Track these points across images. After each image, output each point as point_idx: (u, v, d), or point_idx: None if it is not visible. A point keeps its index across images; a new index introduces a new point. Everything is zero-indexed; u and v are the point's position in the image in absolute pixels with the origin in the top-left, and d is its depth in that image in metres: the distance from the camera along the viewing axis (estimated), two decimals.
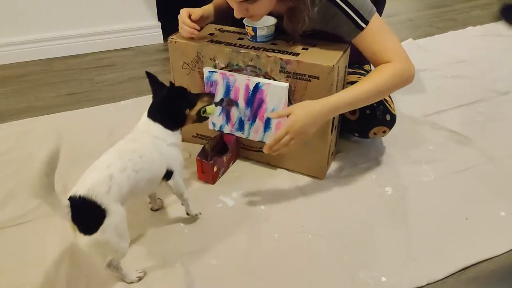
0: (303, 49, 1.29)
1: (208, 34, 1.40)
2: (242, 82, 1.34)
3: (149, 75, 1.15)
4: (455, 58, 2.23)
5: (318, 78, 1.24)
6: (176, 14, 1.38)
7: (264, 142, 1.42)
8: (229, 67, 1.35)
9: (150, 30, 2.42)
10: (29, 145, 1.59)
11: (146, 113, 1.15)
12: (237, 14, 1.22)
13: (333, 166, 1.49)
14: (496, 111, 1.81)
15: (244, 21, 1.32)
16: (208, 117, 1.21)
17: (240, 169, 1.48)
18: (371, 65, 1.32)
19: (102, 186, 0.96)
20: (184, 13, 1.36)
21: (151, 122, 1.13)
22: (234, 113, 1.41)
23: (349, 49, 1.32)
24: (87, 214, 0.94)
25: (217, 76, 1.36)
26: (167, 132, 1.13)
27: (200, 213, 1.27)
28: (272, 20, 1.32)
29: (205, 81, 1.39)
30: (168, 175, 1.14)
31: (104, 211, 0.95)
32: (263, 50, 1.29)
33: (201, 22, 1.39)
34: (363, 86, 1.20)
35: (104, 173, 0.99)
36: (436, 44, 2.42)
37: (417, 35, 2.50)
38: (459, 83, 2.02)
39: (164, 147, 1.12)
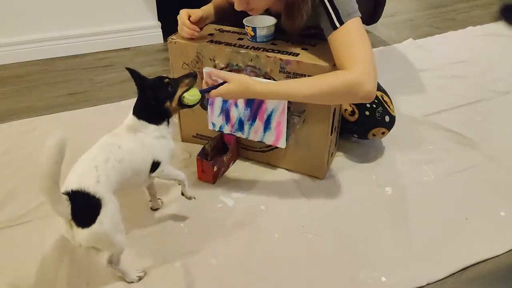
0: (302, 49, 1.29)
1: (208, 34, 1.40)
2: None
3: (131, 71, 1.12)
4: (455, 58, 2.23)
5: None
6: (176, 14, 1.38)
7: (264, 142, 1.43)
8: (229, 67, 1.35)
9: (150, 30, 2.42)
10: (29, 145, 1.59)
11: (132, 111, 1.15)
12: (237, 7, 1.22)
13: (333, 166, 1.49)
14: (496, 111, 1.81)
15: (244, 21, 1.32)
16: (197, 103, 1.16)
17: (240, 169, 1.48)
18: None
19: (90, 177, 0.98)
20: (183, 14, 1.35)
21: (135, 119, 1.13)
22: (234, 113, 1.42)
23: None
24: (83, 206, 0.95)
25: None
26: (152, 127, 1.13)
27: (195, 197, 1.25)
28: (271, 20, 1.32)
29: None
30: (157, 166, 1.14)
31: (99, 200, 0.96)
32: (262, 50, 1.29)
33: (200, 23, 1.39)
34: (307, 85, 1.16)
35: (90, 165, 1.01)
36: (436, 44, 2.42)
37: (417, 35, 2.50)
38: (459, 83, 2.03)
39: (148, 139, 1.12)
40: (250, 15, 1.28)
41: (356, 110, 1.43)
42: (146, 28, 2.41)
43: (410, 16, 2.85)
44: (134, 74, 1.12)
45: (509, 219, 1.29)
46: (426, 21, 2.76)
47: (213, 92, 1.16)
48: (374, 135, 1.46)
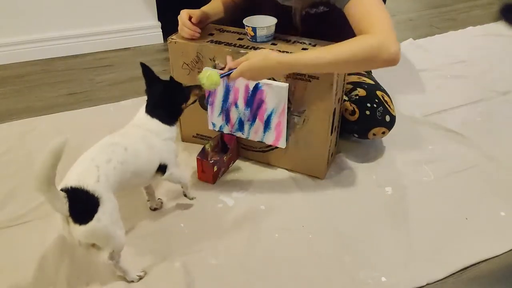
0: (302, 49, 1.29)
1: (208, 34, 1.40)
2: (242, 83, 1.34)
3: (144, 66, 1.15)
4: (455, 58, 2.23)
5: (317, 78, 1.24)
6: (176, 14, 1.38)
7: (264, 142, 1.43)
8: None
9: (150, 30, 2.42)
10: (29, 145, 1.59)
11: (143, 109, 1.16)
12: None
13: (333, 166, 1.49)
14: (496, 111, 1.81)
15: (244, 21, 1.32)
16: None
17: (240, 169, 1.48)
18: None
19: (91, 176, 0.98)
20: (184, 14, 1.35)
21: (148, 117, 1.14)
22: (234, 113, 1.42)
23: None
24: (81, 204, 0.95)
25: None
26: (165, 127, 1.14)
27: (195, 197, 1.30)
28: (272, 20, 1.32)
29: None
30: (163, 168, 1.15)
31: (97, 199, 0.96)
32: None
33: (201, 23, 1.39)
34: (329, 52, 1.14)
35: (91, 165, 1.00)
36: (436, 44, 2.42)
37: (417, 35, 2.50)
38: (459, 83, 2.02)
39: (157, 141, 1.13)
40: (255, 13, 1.28)
41: (356, 110, 1.43)
42: (146, 28, 2.41)
43: (410, 16, 2.85)
44: (147, 69, 1.14)
45: (509, 219, 1.29)
46: (426, 21, 2.76)
47: (233, 73, 1.15)
48: (374, 134, 1.46)
